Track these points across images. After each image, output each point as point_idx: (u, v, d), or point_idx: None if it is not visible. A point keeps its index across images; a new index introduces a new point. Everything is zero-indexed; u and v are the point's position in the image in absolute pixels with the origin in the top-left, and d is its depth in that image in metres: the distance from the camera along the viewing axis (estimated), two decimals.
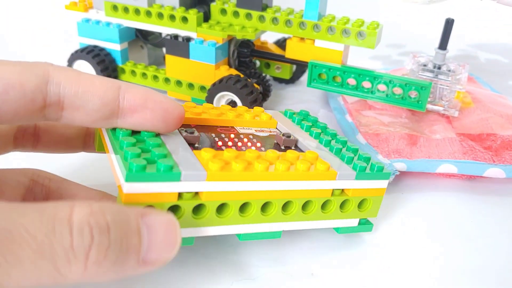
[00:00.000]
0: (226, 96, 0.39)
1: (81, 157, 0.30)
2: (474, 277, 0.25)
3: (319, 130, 0.28)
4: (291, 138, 0.26)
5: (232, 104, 0.39)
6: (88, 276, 0.16)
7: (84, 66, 0.44)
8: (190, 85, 0.42)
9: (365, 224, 0.26)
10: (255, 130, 0.28)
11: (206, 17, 0.42)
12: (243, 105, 0.38)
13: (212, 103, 0.39)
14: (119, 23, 0.43)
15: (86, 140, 0.27)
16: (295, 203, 0.23)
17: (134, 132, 0.22)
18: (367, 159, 0.26)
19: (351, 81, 0.38)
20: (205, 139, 0.25)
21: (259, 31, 0.41)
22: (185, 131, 0.24)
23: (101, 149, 0.26)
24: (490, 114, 0.39)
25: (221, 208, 0.22)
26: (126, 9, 0.42)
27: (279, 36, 0.50)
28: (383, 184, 0.26)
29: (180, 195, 0.20)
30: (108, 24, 0.43)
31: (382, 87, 0.38)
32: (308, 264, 0.25)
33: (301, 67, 0.49)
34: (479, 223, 0.30)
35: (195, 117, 0.26)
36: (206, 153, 0.21)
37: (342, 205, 0.25)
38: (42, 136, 0.26)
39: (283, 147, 0.26)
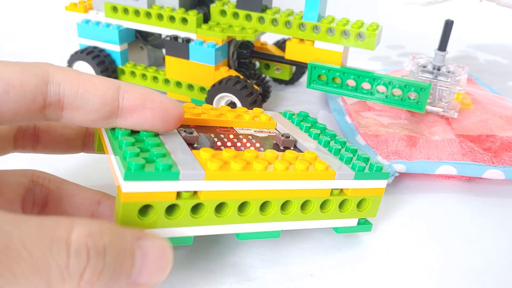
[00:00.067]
0: (226, 97, 0.39)
1: (80, 158, 0.30)
2: (474, 278, 0.25)
3: (318, 131, 0.28)
4: (290, 138, 0.26)
5: (232, 105, 0.39)
6: None
7: (84, 67, 0.44)
8: (190, 86, 0.42)
9: (364, 224, 0.26)
10: (254, 131, 0.28)
11: (206, 18, 0.42)
12: (242, 106, 0.38)
13: (212, 104, 0.39)
14: (119, 24, 0.43)
15: (85, 140, 0.27)
16: (294, 202, 0.23)
17: (133, 132, 0.22)
18: (366, 159, 0.26)
19: (351, 82, 0.38)
20: (204, 140, 0.25)
21: (258, 32, 0.41)
22: (184, 131, 0.24)
23: (101, 149, 0.26)
24: (490, 115, 0.39)
25: (219, 207, 0.22)
26: (126, 10, 0.42)
27: (278, 37, 0.50)
28: (382, 184, 0.26)
29: (178, 194, 0.20)
30: (108, 25, 0.43)
31: (381, 88, 0.38)
32: (307, 265, 0.25)
33: (300, 68, 0.49)
34: (479, 224, 0.30)
35: (195, 118, 0.26)
36: (204, 152, 0.21)
37: (341, 205, 0.25)
38: (41, 136, 0.26)
39: (282, 148, 0.26)
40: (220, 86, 0.38)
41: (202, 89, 0.42)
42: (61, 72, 0.20)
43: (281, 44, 0.49)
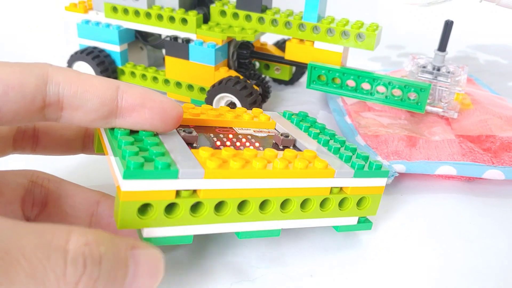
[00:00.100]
0: (226, 97, 0.39)
1: (80, 158, 0.30)
2: (474, 278, 0.25)
3: (318, 131, 0.28)
4: (289, 138, 0.26)
5: (232, 105, 0.39)
6: None
7: (83, 68, 0.44)
8: (190, 87, 0.42)
9: (364, 223, 0.26)
10: (254, 131, 0.28)
11: (206, 19, 0.42)
12: (242, 106, 0.38)
13: (212, 105, 0.39)
14: (119, 25, 0.43)
15: (85, 142, 0.27)
16: (293, 201, 0.23)
17: (133, 132, 0.22)
18: (366, 158, 0.26)
19: (351, 83, 0.38)
20: (203, 139, 0.25)
21: (258, 32, 0.41)
22: (183, 131, 0.24)
23: (100, 150, 0.26)
24: (489, 115, 0.39)
25: (219, 206, 0.22)
26: (125, 11, 0.42)
27: (278, 37, 0.50)
28: (381, 182, 0.26)
29: (178, 193, 0.20)
30: (107, 25, 0.43)
31: (381, 88, 0.38)
32: (307, 265, 0.25)
33: (300, 68, 0.49)
34: (478, 224, 0.30)
35: (194, 118, 0.26)
36: (204, 151, 0.21)
37: (341, 203, 0.25)
38: (41, 138, 0.26)
39: (281, 147, 0.26)
40: (220, 87, 0.38)
41: (202, 89, 0.42)
42: (60, 72, 0.20)
43: (281, 45, 0.49)
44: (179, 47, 0.41)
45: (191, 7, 0.42)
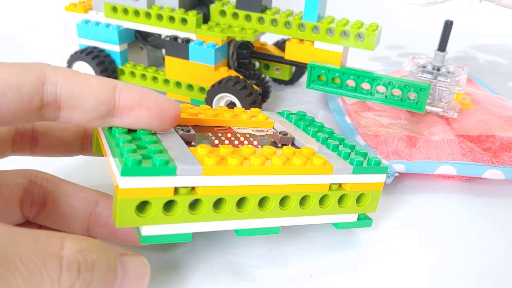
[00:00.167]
0: (226, 97, 0.39)
1: (79, 158, 0.30)
2: (473, 278, 0.25)
3: (316, 129, 0.28)
4: (287, 136, 0.26)
5: (232, 105, 0.39)
6: None
7: (83, 67, 0.44)
8: (190, 86, 0.42)
9: (364, 220, 0.26)
10: (252, 130, 0.28)
11: (206, 19, 0.42)
12: (242, 106, 0.38)
13: (212, 104, 0.39)
14: (119, 25, 0.43)
15: (83, 143, 0.27)
16: (292, 198, 0.23)
17: (131, 131, 0.22)
18: (364, 154, 0.26)
19: (350, 83, 0.38)
20: (201, 138, 0.25)
21: (258, 32, 0.41)
22: (181, 129, 0.24)
23: (99, 151, 0.26)
24: (489, 115, 0.39)
25: (218, 203, 0.22)
26: (125, 11, 0.42)
27: (278, 37, 0.50)
28: (380, 178, 0.25)
29: (176, 190, 0.20)
30: (107, 25, 0.43)
31: (381, 88, 0.38)
32: (307, 265, 0.25)
33: (300, 68, 0.49)
34: (478, 224, 0.30)
35: (192, 118, 0.26)
36: (202, 149, 0.21)
37: (340, 200, 0.25)
38: (40, 139, 0.26)
39: (280, 145, 0.26)
40: (220, 86, 0.38)
41: (201, 89, 0.42)
42: (58, 72, 0.20)
43: (280, 45, 0.49)
44: (179, 47, 0.41)
45: (191, 7, 0.42)
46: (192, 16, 0.40)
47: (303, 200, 0.24)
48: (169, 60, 0.42)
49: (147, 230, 0.20)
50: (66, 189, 0.24)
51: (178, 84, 0.42)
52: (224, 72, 0.40)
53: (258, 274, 0.24)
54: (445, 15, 0.43)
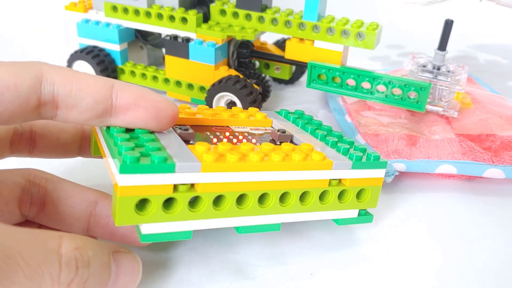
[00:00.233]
0: (226, 96, 0.39)
1: (78, 157, 0.30)
2: (474, 278, 0.25)
3: (315, 127, 0.28)
4: (286, 133, 0.26)
5: (232, 104, 0.39)
6: None
7: (83, 67, 0.44)
8: (190, 86, 0.42)
9: (365, 215, 0.26)
10: (250, 129, 0.28)
11: (206, 18, 0.42)
12: (242, 105, 0.38)
13: (212, 104, 0.39)
14: (119, 24, 0.43)
15: (82, 145, 0.27)
16: (292, 194, 0.23)
17: (129, 130, 0.22)
18: (363, 150, 0.26)
19: (351, 82, 0.38)
20: (199, 137, 0.25)
21: (258, 31, 0.41)
22: (179, 128, 0.24)
23: (97, 153, 0.26)
24: (490, 115, 0.39)
25: (218, 200, 0.22)
26: (125, 10, 0.42)
27: (278, 36, 0.50)
28: (380, 173, 0.25)
29: (175, 187, 0.20)
30: (107, 24, 0.43)
31: (381, 87, 0.38)
32: (307, 264, 0.25)
33: (300, 67, 0.49)
34: (478, 223, 0.30)
35: (190, 117, 0.26)
36: (200, 146, 0.21)
37: (340, 196, 0.25)
38: (38, 141, 0.26)
39: (278, 143, 0.26)
40: (220, 86, 0.38)
41: (202, 88, 0.42)
42: (55, 71, 0.20)
43: (281, 44, 0.48)
44: (179, 46, 0.41)
45: (191, 6, 0.42)
46: (192, 15, 0.40)
47: (303, 196, 0.24)
48: (169, 59, 0.42)
49: (147, 229, 0.20)
50: (66, 189, 0.24)
51: (178, 83, 0.42)
52: (224, 71, 0.40)
53: (258, 273, 0.24)
54: (445, 15, 0.43)
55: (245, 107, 0.38)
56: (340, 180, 0.25)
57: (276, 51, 0.46)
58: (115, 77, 0.45)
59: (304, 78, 0.51)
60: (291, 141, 0.27)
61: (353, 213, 0.26)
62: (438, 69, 0.40)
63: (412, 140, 0.36)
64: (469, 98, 0.42)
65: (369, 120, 0.39)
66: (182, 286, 0.23)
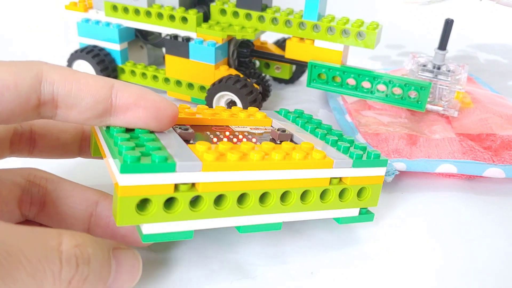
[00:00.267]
0: (226, 96, 0.39)
1: (78, 157, 0.30)
2: (474, 277, 0.25)
3: (315, 126, 0.28)
4: (286, 132, 0.26)
5: (232, 104, 0.39)
6: None
7: (84, 66, 0.44)
8: (190, 85, 0.42)
9: (366, 214, 0.26)
10: (250, 128, 0.28)
11: (206, 17, 0.42)
12: (242, 105, 0.38)
13: (212, 103, 0.39)
14: (119, 23, 0.43)
15: (82, 145, 0.27)
16: (293, 193, 0.23)
17: (129, 130, 0.22)
18: (363, 148, 0.26)
19: (351, 81, 0.38)
20: (199, 137, 0.25)
21: (258, 31, 0.41)
22: (179, 128, 0.24)
23: (97, 153, 0.26)
24: (490, 114, 0.39)
25: (219, 200, 0.22)
26: (126, 9, 0.42)
27: (278, 36, 0.50)
28: (380, 171, 0.25)
29: (176, 187, 0.20)
30: (108, 24, 0.43)
31: (381, 87, 0.38)
32: (307, 263, 0.25)
33: (300, 67, 0.49)
34: (479, 222, 0.30)
35: (190, 117, 0.26)
36: (200, 145, 0.21)
37: (341, 194, 0.25)
38: (38, 141, 0.26)
39: (278, 142, 0.26)
40: (220, 85, 0.38)
41: (202, 88, 0.42)
42: (55, 71, 0.20)
43: (281, 43, 0.49)
44: (179, 46, 0.41)
45: (191, 5, 0.42)
46: (193, 14, 0.40)
47: (304, 195, 0.24)
48: (170, 59, 0.42)
49: (148, 229, 0.20)
50: (66, 189, 0.24)
51: (178, 82, 0.42)
52: (225, 71, 0.40)
53: (258, 272, 0.24)
54: (445, 14, 0.43)
55: (245, 106, 0.38)
56: (340, 178, 0.25)
57: (276, 50, 0.46)
58: (115, 77, 0.45)
59: (304, 77, 0.51)
60: (291, 140, 0.27)
61: (354, 212, 0.26)
62: (438, 68, 0.40)
63: (412, 140, 0.36)
64: (469, 98, 0.42)
65: (369, 119, 0.39)
66: (182, 285, 0.23)
